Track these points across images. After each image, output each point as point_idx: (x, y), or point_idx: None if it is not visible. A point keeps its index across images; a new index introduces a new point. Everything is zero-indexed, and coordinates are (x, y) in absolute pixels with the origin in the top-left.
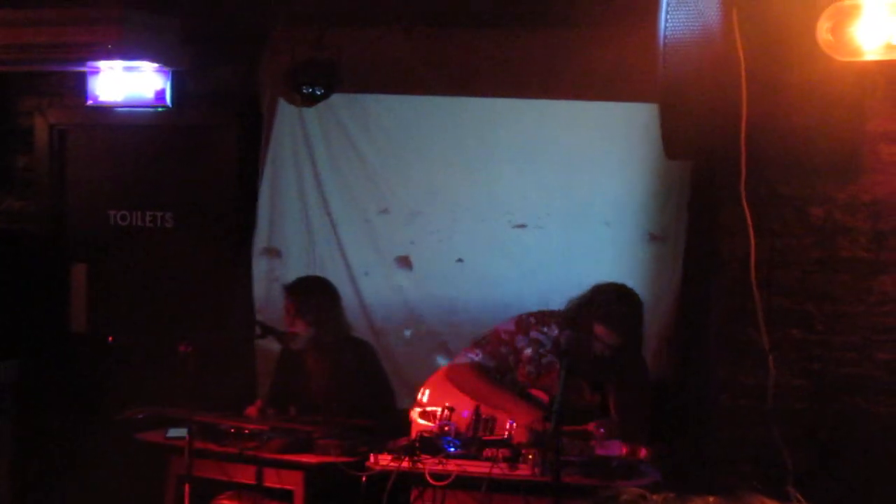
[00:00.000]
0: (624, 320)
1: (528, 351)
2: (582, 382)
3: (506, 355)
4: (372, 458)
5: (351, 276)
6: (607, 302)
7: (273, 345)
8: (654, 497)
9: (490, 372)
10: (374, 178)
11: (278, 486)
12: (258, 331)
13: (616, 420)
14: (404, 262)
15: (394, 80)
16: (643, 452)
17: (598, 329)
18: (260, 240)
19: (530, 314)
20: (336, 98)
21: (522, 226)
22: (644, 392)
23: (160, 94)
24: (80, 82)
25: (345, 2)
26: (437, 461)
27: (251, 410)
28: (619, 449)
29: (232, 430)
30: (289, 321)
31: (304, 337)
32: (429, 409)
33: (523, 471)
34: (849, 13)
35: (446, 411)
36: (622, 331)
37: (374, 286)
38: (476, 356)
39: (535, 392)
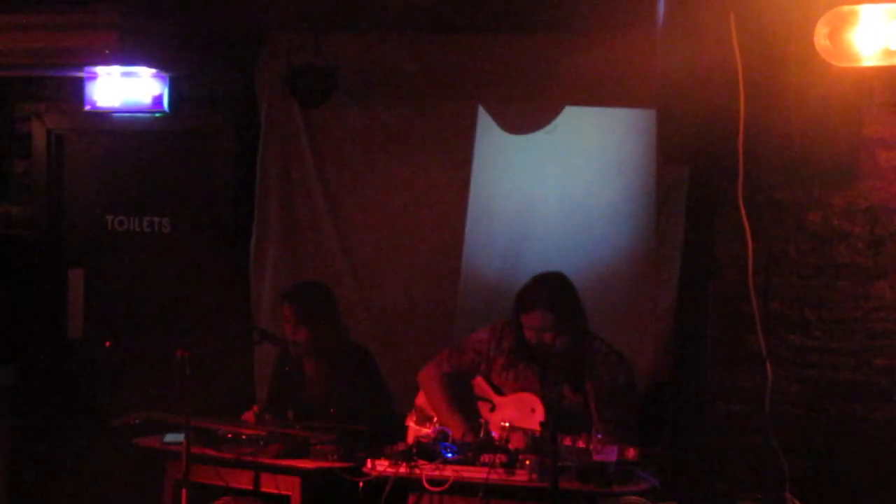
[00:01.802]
0: (538, 297)
1: (502, 360)
2: (562, 383)
3: (476, 363)
4: (369, 464)
5: (355, 276)
6: (522, 291)
7: (270, 350)
8: None
9: (454, 382)
10: (374, 181)
11: (275, 491)
12: (256, 336)
13: (604, 424)
14: (408, 263)
15: (390, 85)
16: (632, 453)
17: (523, 318)
18: (258, 244)
19: (506, 322)
20: (333, 102)
21: (520, 230)
22: (626, 390)
23: (157, 100)
24: (78, 87)
25: (341, 7)
26: (434, 467)
27: (248, 415)
28: (615, 454)
29: (229, 436)
30: (290, 328)
31: (305, 343)
32: (425, 413)
33: (520, 476)
34: (846, 19)
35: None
36: (543, 308)
37: (379, 287)
38: (445, 365)
39: (521, 395)
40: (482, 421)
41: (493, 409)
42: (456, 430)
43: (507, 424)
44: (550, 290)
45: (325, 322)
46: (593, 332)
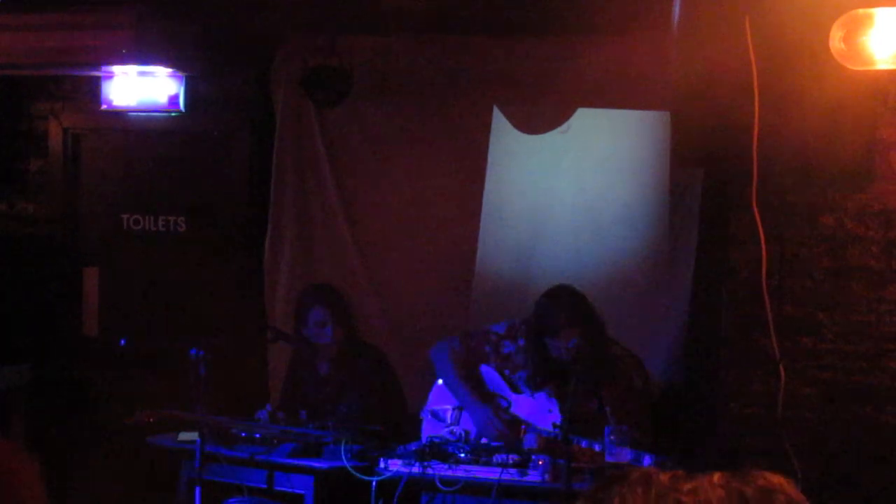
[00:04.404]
0: (559, 319)
1: (517, 359)
2: (580, 387)
3: (487, 354)
4: (382, 463)
5: (370, 276)
6: (541, 316)
7: (284, 349)
8: (662, 476)
9: (465, 363)
10: (388, 181)
11: (288, 490)
12: (270, 335)
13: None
14: (422, 262)
15: (406, 86)
16: (648, 459)
17: (550, 342)
18: (272, 244)
19: (523, 321)
20: (348, 103)
21: (534, 230)
22: (642, 394)
23: (174, 99)
24: (94, 87)
25: (356, 9)
26: (446, 466)
27: (262, 414)
28: (628, 456)
29: (243, 434)
30: (318, 332)
31: (338, 345)
32: (438, 408)
33: (533, 477)
34: (861, 22)
35: (455, 412)
36: (568, 328)
37: (393, 286)
38: (456, 345)
39: (538, 394)
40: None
41: (509, 406)
42: (479, 411)
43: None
44: (567, 308)
45: (351, 322)
46: (612, 338)
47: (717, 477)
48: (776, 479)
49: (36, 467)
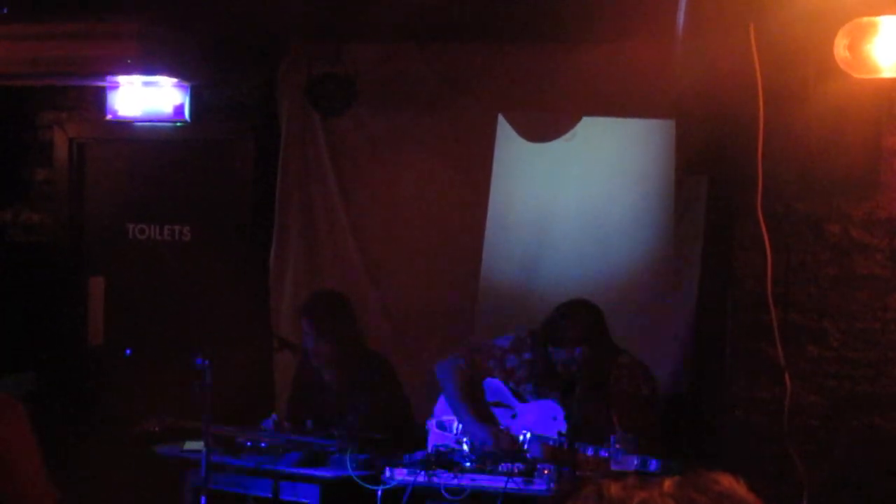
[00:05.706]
0: (568, 334)
1: (521, 372)
2: (585, 394)
3: (491, 369)
4: (388, 472)
5: (376, 285)
6: (551, 326)
7: (290, 358)
8: (613, 487)
9: (471, 381)
10: (393, 189)
11: (294, 499)
12: (275, 344)
13: (624, 434)
14: (427, 271)
15: (410, 95)
16: (654, 464)
17: (553, 352)
18: (277, 252)
19: (528, 334)
20: (353, 112)
21: (539, 238)
22: (648, 402)
23: (179, 109)
24: (100, 97)
25: (360, 17)
26: (452, 475)
27: (267, 423)
28: (635, 464)
29: (248, 444)
30: (311, 342)
31: (328, 357)
32: (444, 418)
33: (538, 485)
34: (866, 30)
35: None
36: (574, 345)
37: (398, 295)
38: (461, 362)
39: (543, 402)
40: (502, 427)
41: (514, 415)
42: (479, 432)
43: (528, 433)
44: (581, 326)
45: (345, 333)
46: (619, 347)
47: (667, 485)
48: (727, 482)
49: (20, 408)
